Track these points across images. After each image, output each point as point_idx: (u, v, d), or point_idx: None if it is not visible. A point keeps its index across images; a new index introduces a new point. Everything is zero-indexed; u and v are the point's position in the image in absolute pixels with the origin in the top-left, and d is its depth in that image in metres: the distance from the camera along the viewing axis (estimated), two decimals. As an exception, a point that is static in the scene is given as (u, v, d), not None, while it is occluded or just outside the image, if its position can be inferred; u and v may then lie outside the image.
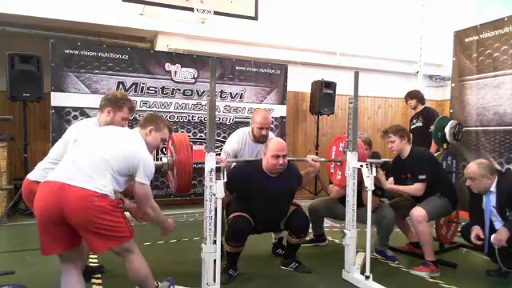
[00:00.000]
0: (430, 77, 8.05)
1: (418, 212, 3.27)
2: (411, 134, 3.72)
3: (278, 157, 3.03)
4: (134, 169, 2.26)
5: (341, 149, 3.29)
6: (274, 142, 3.12)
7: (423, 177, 3.35)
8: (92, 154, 2.22)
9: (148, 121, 2.54)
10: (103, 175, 2.16)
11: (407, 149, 3.53)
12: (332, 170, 3.52)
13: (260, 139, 3.46)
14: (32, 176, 2.56)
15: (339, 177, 3.39)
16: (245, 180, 3.08)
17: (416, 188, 3.38)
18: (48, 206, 2.09)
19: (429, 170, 3.37)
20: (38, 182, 2.37)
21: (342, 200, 3.38)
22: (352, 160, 3.06)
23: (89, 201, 2.08)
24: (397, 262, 3.53)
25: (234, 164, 3.33)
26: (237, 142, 3.50)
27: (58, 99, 4.98)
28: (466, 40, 4.54)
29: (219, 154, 3.29)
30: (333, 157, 3.46)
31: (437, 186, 3.38)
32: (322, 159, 3.45)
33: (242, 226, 3.01)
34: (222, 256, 3.07)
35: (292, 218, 3.20)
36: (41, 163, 2.60)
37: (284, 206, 3.22)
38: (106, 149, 2.25)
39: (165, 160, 2.72)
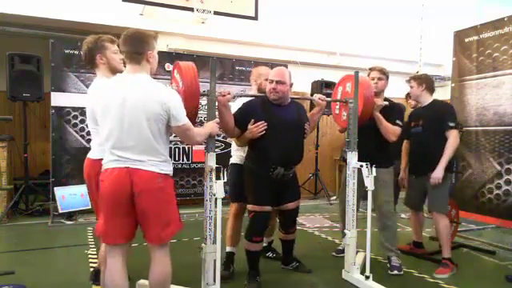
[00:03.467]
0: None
1: (437, 215, 3.34)
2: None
3: (271, 82, 2.93)
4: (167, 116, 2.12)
5: (348, 89, 3.23)
6: (275, 68, 3.07)
7: (453, 124, 3.34)
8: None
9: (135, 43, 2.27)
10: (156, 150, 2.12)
11: (426, 97, 3.52)
12: (337, 112, 3.46)
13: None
14: (93, 155, 2.46)
15: (344, 117, 3.30)
16: (253, 112, 2.89)
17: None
18: (119, 190, 2.05)
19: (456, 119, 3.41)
20: (101, 159, 2.29)
21: None
22: (352, 160, 3.06)
23: (154, 182, 2.07)
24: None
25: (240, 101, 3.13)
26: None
27: (57, 99, 4.97)
28: (466, 40, 4.54)
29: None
30: (339, 97, 3.36)
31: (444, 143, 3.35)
32: (329, 99, 3.31)
33: (263, 219, 2.94)
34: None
35: (284, 218, 3.15)
36: (94, 139, 2.49)
37: (296, 136, 2.97)
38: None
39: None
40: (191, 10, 5.78)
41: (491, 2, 7.31)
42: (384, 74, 3.48)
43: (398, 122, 3.34)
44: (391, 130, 3.30)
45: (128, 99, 2.05)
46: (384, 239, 3.38)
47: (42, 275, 3.09)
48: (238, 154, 3.28)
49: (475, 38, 4.45)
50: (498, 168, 4.12)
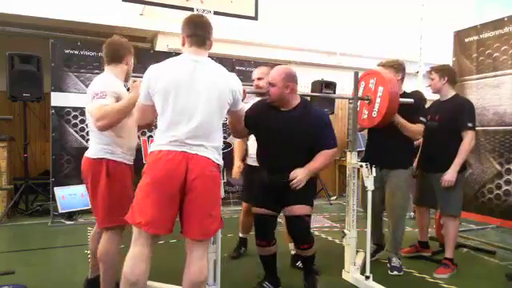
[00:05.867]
0: (430, 77, 8.06)
1: (449, 218, 3.31)
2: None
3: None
4: None
5: (371, 85, 3.07)
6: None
7: (471, 124, 3.20)
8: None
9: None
10: None
11: (448, 90, 3.36)
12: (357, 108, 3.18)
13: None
14: (92, 154, 2.44)
15: (365, 116, 3.17)
16: (259, 113, 2.71)
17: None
18: (174, 174, 1.95)
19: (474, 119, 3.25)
20: (101, 159, 2.37)
21: None
22: (352, 160, 3.06)
23: (209, 170, 2.01)
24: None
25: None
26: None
27: (58, 99, 4.97)
28: (466, 40, 4.54)
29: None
30: (360, 94, 3.13)
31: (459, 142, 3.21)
32: (334, 95, 3.24)
33: (262, 222, 2.73)
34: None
35: (289, 227, 2.80)
36: (93, 138, 2.47)
37: (286, 145, 2.62)
38: None
39: None
40: (191, 10, 5.77)
41: (491, 1, 7.31)
42: (397, 69, 3.27)
43: (421, 119, 3.21)
44: (417, 131, 3.20)
45: (199, 81, 2.01)
46: (389, 240, 3.37)
47: (42, 275, 3.09)
48: (249, 154, 3.33)
49: (475, 37, 4.45)
50: (498, 168, 4.12)
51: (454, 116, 3.24)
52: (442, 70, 3.35)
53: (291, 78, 2.63)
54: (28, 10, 5.23)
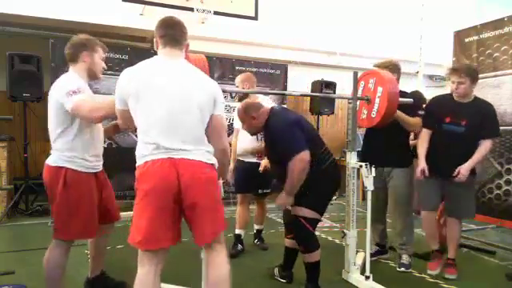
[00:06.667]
0: (430, 77, 8.06)
1: (455, 220, 3.23)
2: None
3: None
4: None
5: (370, 85, 3.04)
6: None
7: (498, 133, 3.14)
8: None
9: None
10: None
11: (471, 94, 3.15)
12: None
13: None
14: (53, 161, 2.36)
15: (364, 116, 3.14)
16: None
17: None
18: (164, 183, 1.85)
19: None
20: (60, 167, 2.32)
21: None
22: (352, 160, 3.06)
23: (202, 172, 1.91)
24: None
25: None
26: None
27: (58, 99, 4.96)
28: (466, 40, 4.54)
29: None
30: (359, 94, 3.12)
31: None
32: (334, 95, 3.26)
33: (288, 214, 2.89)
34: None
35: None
36: (57, 144, 2.38)
37: (280, 158, 2.74)
38: None
39: None
40: (191, 10, 5.78)
41: (491, 1, 7.30)
42: (393, 70, 3.23)
43: (419, 112, 3.20)
44: (413, 123, 3.19)
45: (176, 85, 1.91)
46: (401, 238, 3.36)
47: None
48: (239, 147, 3.67)
49: (475, 38, 4.45)
50: (498, 168, 4.11)
51: (479, 122, 3.06)
52: (470, 75, 3.05)
53: (250, 110, 2.85)
54: (28, 9, 5.23)
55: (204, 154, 1.95)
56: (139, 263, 1.90)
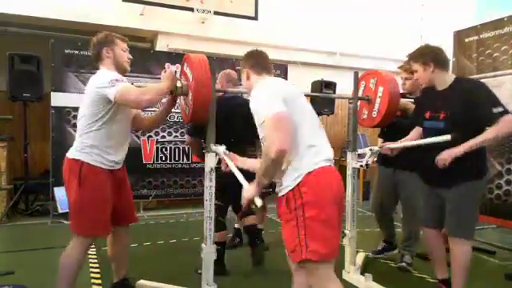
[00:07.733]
0: (430, 77, 8.06)
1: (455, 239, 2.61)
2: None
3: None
4: None
5: (371, 85, 3.01)
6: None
7: (501, 109, 2.31)
8: None
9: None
10: None
11: (443, 77, 2.48)
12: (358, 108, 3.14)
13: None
14: (73, 155, 2.42)
15: (365, 116, 3.10)
16: None
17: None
18: (342, 191, 1.92)
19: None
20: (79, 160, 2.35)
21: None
22: (352, 160, 3.06)
23: None
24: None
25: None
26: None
27: (57, 99, 4.97)
28: (466, 40, 4.54)
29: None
30: (360, 94, 3.07)
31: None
32: (334, 95, 3.24)
33: None
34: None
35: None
36: (87, 138, 2.38)
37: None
38: None
39: (179, 84, 2.44)
40: (191, 10, 5.78)
41: (491, 1, 7.31)
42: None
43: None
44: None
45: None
46: (406, 241, 3.42)
47: (42, 275, 3.08)
48: None
49: (475, 37, 4.45)
50: (499, 168, 4.11)
51: (466, 109, 2.36)
52: (421, 57, 2.48)
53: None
54: (28, 9, 5.24)
55: None
56: (327, 279, 1.82)
